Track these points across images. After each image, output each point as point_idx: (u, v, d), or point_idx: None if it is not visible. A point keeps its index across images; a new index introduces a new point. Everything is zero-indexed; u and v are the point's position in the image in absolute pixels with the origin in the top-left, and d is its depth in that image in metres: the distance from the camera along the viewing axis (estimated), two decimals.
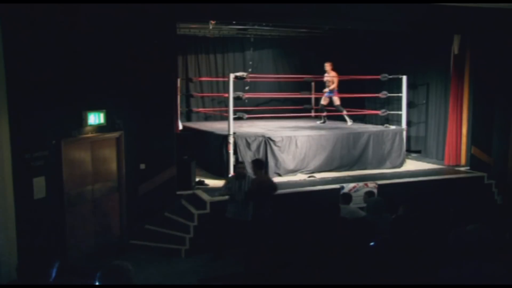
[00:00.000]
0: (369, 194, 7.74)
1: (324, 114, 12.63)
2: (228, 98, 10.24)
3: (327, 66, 12.34)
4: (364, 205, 8.17)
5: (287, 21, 10.83)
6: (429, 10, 9.60)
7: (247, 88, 13.48)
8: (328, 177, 10.11)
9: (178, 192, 8.93)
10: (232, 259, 7.51)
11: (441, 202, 8.90)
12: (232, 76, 10.17)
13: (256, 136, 10.09)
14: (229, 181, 7.77)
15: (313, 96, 14.17)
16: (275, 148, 10.05)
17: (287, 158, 10.16)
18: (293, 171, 10.21)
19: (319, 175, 10.21)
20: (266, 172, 9.49)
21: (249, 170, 8.28)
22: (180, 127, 10.79)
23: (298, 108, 13.61)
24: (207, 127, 11.93)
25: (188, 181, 9.18)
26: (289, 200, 8.75)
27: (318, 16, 9.58)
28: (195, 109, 13.84)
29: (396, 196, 8.18)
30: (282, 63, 15.03)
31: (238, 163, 8.42)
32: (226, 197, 7.61)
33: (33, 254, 3.27)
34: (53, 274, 3.23)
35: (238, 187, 7.47)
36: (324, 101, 12.47)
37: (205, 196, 8.62)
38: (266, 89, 14.18)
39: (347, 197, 7.71)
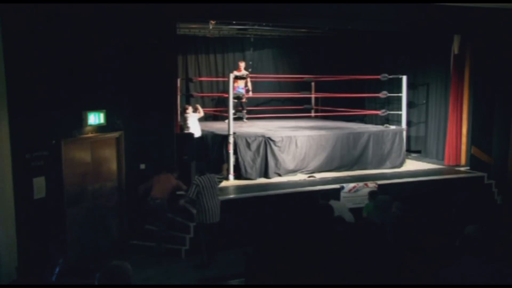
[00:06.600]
0: (372, 193, 7.66)
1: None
2: (228, 98, 10.24)
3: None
4: (363, 205, 8.16)
5: (287, 21, 10.82)
6: (429, 10, 9.59)
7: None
8: (328, 177, 10.11)
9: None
10: (232, 259, 7.52)
11: (441, 202, 8.90)
12: (232, 76, 10.16)
13: (256, 136, 10.08)
14: None
15: (313, 96, 14.17)
16: (275, 148, 10.04)
17: (287, 158, 10.15)
18: (293, 171, 10.21)
19: (319, 175, 10.21)
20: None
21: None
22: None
23: (298, 108, 13.62)
24: (207, 127, 11.92)
25: (188, 181, 9.16)
26: (289, 200, 8.76)
27: (318, 16, 9.58)
28: None
29: (396, 196, 8.15)
30: (282, 63, 15.01)
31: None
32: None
33: (33, 254, 3.27)
34: (56, 271, 3.24)
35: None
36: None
37: None
38: (266, 89, 14.17)
39: (333, 194, 7.53)
